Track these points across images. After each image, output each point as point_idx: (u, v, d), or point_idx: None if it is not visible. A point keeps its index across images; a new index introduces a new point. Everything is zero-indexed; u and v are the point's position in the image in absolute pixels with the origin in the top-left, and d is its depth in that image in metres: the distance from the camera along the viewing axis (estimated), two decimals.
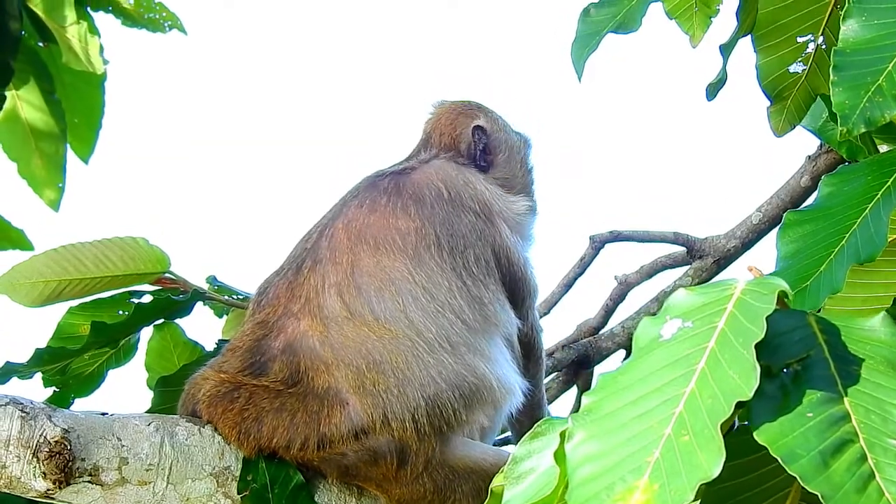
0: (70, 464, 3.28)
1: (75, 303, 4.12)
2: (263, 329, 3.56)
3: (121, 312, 4.10)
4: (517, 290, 3.72)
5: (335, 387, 3.42)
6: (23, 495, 3.31)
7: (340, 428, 3.41)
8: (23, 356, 3.92)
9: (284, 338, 3.52)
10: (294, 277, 3.55)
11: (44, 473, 3.25)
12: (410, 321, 3.44)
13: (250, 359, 3.53)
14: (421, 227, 3.55)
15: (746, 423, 2.29)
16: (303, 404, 3.44)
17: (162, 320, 4.22)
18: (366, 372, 3.39)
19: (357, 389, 3.39)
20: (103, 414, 3.43)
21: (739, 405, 2.19)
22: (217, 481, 3.46)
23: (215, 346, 4.13)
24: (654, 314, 2.37)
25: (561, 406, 4.57)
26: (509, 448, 3.87)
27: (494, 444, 3.78)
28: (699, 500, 2.14)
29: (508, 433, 4.10)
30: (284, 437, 3.43)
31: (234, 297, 4.18)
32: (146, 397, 4.09)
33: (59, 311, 4.14)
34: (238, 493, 3.44)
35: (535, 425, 2.42)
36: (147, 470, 3.40)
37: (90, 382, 4.18)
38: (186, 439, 3.47)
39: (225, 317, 4.15)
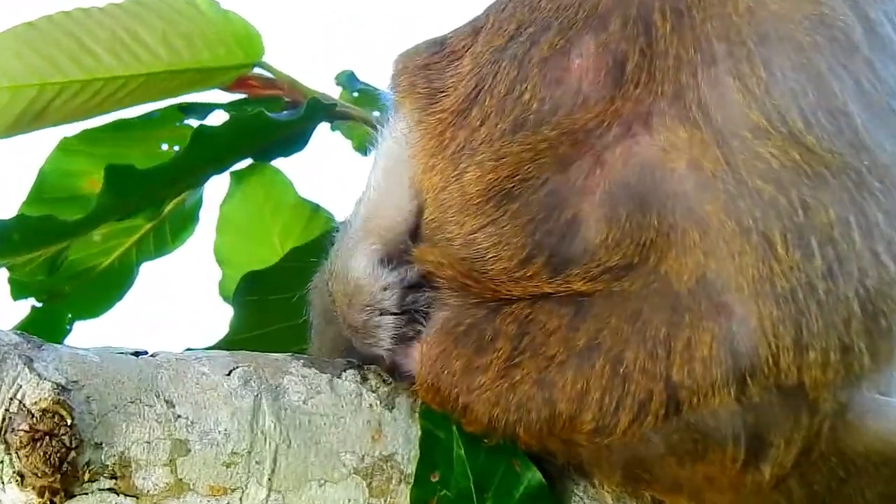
0: (73, 455, 2.34)
1: (72, 130, 3.15)
2: (551, 160, 2.53)
3: (164, 147, 3.20)
4: None
5: (712, 279, 2.44)
6: None
7: (711, 369, 2.42)
8: None
9: (611, 174, 2.49)
10: (629, 52, 2.51)
11: (19, 475, 2.33)
12: (859, 141, 2.45)
13: (532, 233, 2.51)
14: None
15: None
16: (634, 325, 2.47)
17: (248, 161, 3.22)
18: (779, 245, 2.40)
19: (758, 284, 2.40)
20: (137, 354, 2.49)
21: None
22: (367, 484, 2.48)
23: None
24: None
25: None
26: None
27: None
28: None
29: None
30: (594, 407, 2.48)
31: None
32: (217, 317, 3.22)
33: (40, 146, 3.22)
34: None
35: None
36: (227, 464, 2.40)
37: (106, 289, 3.25)
38: (304, 402, 2.48)
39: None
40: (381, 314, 2.59)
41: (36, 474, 2.29)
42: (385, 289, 2.59)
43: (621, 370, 2.43)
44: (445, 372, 2.51)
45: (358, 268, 2.65)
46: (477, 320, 2.53)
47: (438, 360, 2.52)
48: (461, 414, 2.49)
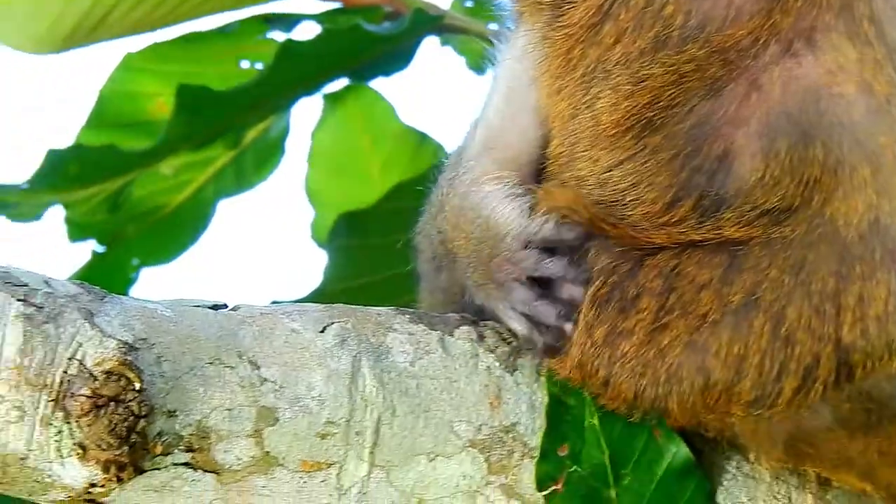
0: (142, 424, 2.18)
1: (137, 45, 3.13)
2: (699, 84, 2.42)
3: (244, 65, 3.08)
4: None
5: (886, 223, 2.36)
6: (31, 497, 2.29)
7: (887, 328, 2.30)
8: (24, 169, 3.03)
9: (769, 101, 2.38)
10: None
11: (80, 447, 2.15)
12: None
13: (678, 171, 2.40)
14: None
15: None
16: (797, 277, 2.34)
17: (343, 82, 3.16)
18: None
19: None
20: (215, 307, 2.33)
21: None
22: (485, 458, 2.32)
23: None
24: None
25: None
26: None
27: None
28: None
29: None
30: (753, 374, 2.33)
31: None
32: (309, 264, 3.36)
33: (100, 63, 3.32)
34: (539, 489, 2.31)
35: None
36: (322, 436, 2.25)
37: (177, 230, 3.15)
38: (412, 363, 2.33)
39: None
40: (515, 280, 2.45)
41: (100, 446, 2.17)
42: (526, 245, 2.45)
43: (783, 331, 2.31)
44: (587, 344, 2.38)
45: (498, 210, 2.50)
46: (620, 278, 2.41)
47: (583, 331, 2.39)
48: (601, 389, 2.38)
